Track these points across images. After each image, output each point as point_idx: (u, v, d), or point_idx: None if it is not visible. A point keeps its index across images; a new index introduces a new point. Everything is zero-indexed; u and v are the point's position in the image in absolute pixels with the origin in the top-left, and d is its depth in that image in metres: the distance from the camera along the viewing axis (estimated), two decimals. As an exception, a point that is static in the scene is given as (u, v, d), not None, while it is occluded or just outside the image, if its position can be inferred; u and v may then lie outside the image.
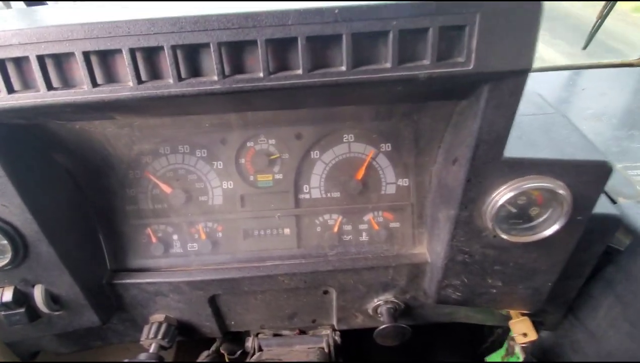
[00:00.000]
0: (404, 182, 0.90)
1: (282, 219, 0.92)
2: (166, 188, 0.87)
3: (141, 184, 0.88)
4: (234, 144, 0.88)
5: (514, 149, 0.66)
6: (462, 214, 0.72)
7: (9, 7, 1.48)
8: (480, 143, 0.63)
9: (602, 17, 1.57)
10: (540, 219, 0.73)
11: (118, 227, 0.89)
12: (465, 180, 0.67)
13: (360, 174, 0.89)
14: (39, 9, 0.72)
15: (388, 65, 0.54)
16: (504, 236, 0.71)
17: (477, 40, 0.53)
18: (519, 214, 0.72)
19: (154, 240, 0.91)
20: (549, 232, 0.70)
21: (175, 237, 0.92)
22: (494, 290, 0.84)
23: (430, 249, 0.88)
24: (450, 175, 0.73)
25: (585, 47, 1.66)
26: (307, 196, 0.92)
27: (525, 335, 0.92)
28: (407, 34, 0.53)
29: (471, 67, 0.55)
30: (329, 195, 0.91)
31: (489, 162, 0.65)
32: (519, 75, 0.57)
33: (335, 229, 0.92)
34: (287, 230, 0.93)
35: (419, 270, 0.90)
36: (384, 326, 0.88)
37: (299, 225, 0.92)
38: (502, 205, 0.68)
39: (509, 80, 0.57)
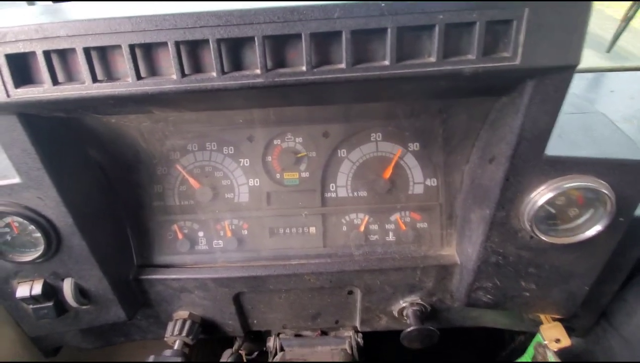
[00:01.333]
0: (432, 181, 0.89)
1: (308, 218, 0.91)
2: (194, 183, 0.87)
3: (168, 181, 0.88)
4: (261, 141, 0.88)
5: (554, 147, 0.64)
6: (498, 214, 0.70)
7: (32, 3, 1.50)
8: (521, 140, 0.61)
9: (627, 19, 1.54)
10: (580, 220, 0.71)
11: (145, 223, 0.89)
12: (503, 179, 0.66)
13: (387, 173, 0.88)
14: (64, 5, 0.72)
15: (432, 59, 0.54)
16: (543, 237, 0.69)
17: (524, 34, 0.52)
18: (557, 215, 0.71)
19: (180, 236, 0.91)
20: (590, 233, 0.68)
21: (201, 233, 0.92)
22: (527, 294, 0.82)
23: (459, 251, 0.86)
24: (486, 174, 0.71)
25: (609, 50, 1.63)
26: (334, 195, 0.91)
27: (558, 341, 0.89)
28: (453, 27, 0.52)
29: (518, 62, 0.53)
30: (355, 194, 0.90)
31: (530, 161, 0.64)
32: (566, 70, 0.56)
33: (362, 229, 0.91)
34: (312, 229, 0.92)
35: (447, 272, 0.88)
36: (411, 328, 0.86)
37: (325, 224, 0.92)
38: (542, 206, 0.67)
39: (555, 76, 0.56)
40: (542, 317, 0.94)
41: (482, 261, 0.77)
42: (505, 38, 0.53)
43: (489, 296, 0.83)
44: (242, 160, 0.89)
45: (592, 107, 0.82)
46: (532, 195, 0.67)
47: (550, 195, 0.65)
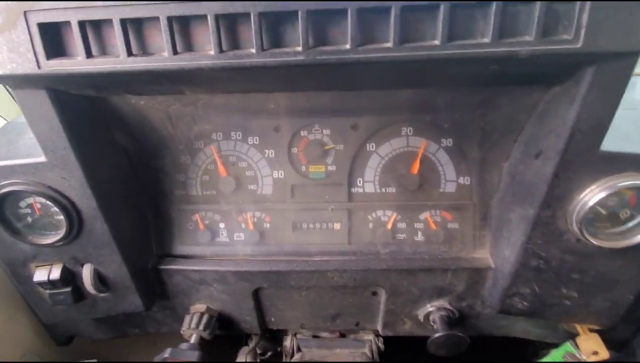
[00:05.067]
0: (465, 180, 0.84)
1: (333, 213, 0.88)
2: (222, 171, 0.85)
3: (192, 169, 0.86)
4: (288, 132, 0.85)
5: (607, 142, 0.60)
6: (543, 214, 0.66)
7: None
8: (575, 133, 0.57)
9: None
10: (631, 223, 0.66)
11: (166, 211, 0.87)
12: (552, 175, 0.61)
13: (415, 168, 0.84)
14: None
15: (487, 40, 0.50)
16: (592, 240, 0.65)
17: (588, 16, 0.48)
18: (607, 216, 0.66)
19: (201, 226, 0.88)
20: (644, 237, 0.63)
21: (222, 225, 0.89)
22: (568, 302, 0.76)
23: (494, 253, 0.81)
24: (531, 171, 0.67)
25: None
26: (361, 190, 0.87)
27: (595, 353, 0.83)
28: (510, 6, 0.49)
29: (579, 45, 0.49)
30: (383, 190, 0.87)
31: (583, 155, 0.59)
32: (630, 57, 0.51)
33: (389, 226, 0.87)
34: (337, 225, 0.88)
35: (479, 276, 0.83)
36: (440, 334, 0.81)
37: (351, 220, 0.88)
38: (592, 206, 0.62)
39: (618, 63, 0.52)
40: (579, 327, 0.88)
41: (520, 264, 0.73)
42: (566, 19, 0.50)
43: (525, 303, 0.78)
44: (267, 151, 0.86)
45: None
46: (583, 194, 0.62)
47: (603, 194, 0.61)
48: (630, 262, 0.70)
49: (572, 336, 0.90)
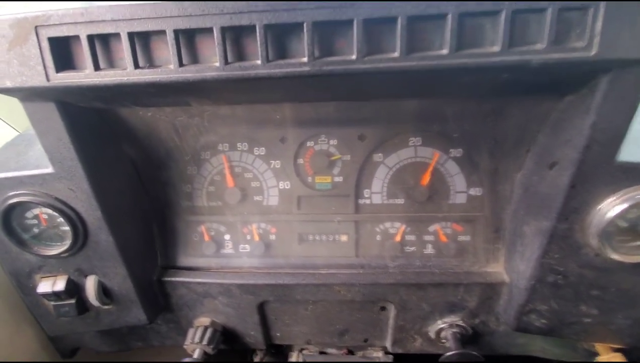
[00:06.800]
0: (476, 191, 0.82)
1: (340, 224, 0.86)
2: (230, 181, 0.84)
3: (198, 180, 0.86)
4: (294, 142, 0.84)
5: (626, 152, 0.57)
6: (560, 227, 0.63)
7: None
8: (592, 143, 0.55)
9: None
10: (655, 237, 0.62)
11: (172, 223, 0.87)
12: (568, 186, 0.59)
13: (425, 180, 0.82)
14: None
15: (496, 48, 0.49)
16: (613, 255, 0.61)
17: (602, 22, 0.47)
18: (627, 229, 0.63)
19: (206, 238, 0.87)
20: (670, 252, 0.60)
21: (227, 236, 0.88)
22: (588, 320, 0.72)
23: (509, 268, 0.78)
24: (546, 182, 0.64)
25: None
26: (368, 201, 0.85)
27: (619, 375, 0.78)
28: (520, 14, 0.48)
29: (593, 53, 0.48)
30: (391, 201, 0.85)
31: (600, 166, 0.57)
32: None
33: (398, 239, 0.85)
34: (344, 237, 0.87)
35: (493, 292, 0.80)
36: (453, 352, 0.78)
37: (358, 232, 0.86)
38: (612, 219, 0.59)
39: (634, 70, 0.50)
40: (599, 346, 0.83)
41: (537, 280, 0.69)
42: (578, 27, 0.48)
43: (543, 320, 0.74)
44: (273, 161, 0.85)
45: None
46: (601, 205, 0.59)
47: (623, 206, 0.58)
48: None
49: (593, 355, 0.85)
